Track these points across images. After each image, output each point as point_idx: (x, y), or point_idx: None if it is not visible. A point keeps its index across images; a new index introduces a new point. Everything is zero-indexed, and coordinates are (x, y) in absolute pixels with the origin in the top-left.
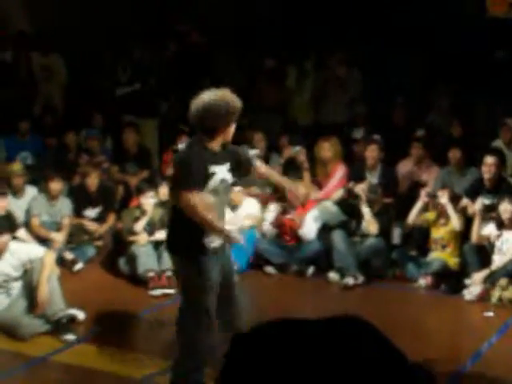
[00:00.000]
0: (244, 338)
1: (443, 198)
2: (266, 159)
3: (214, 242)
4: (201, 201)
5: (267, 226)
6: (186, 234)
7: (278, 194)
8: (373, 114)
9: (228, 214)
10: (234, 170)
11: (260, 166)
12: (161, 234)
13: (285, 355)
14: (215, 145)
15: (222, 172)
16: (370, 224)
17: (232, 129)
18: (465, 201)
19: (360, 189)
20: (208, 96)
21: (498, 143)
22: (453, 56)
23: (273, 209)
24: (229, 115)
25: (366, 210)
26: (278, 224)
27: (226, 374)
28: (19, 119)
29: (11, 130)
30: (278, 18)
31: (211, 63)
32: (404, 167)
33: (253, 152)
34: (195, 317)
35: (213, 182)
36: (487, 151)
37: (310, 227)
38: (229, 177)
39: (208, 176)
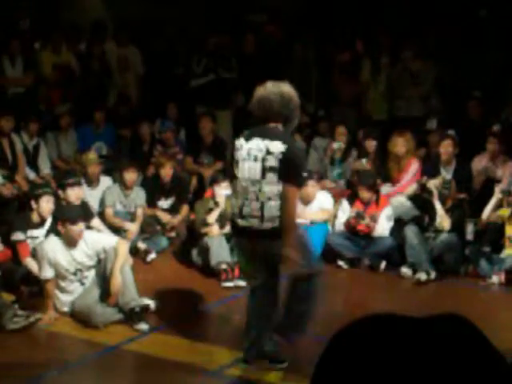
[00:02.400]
0: (343, 334)
1: None
2: (347, 153)
3: None
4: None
5: (339, 226)
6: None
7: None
8: (448, 108)
9: (300, 206)
10: None
11: None
12: None
13: (385, 354)
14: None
15: None
16: (442, 219)
17: None
18: None
19: (432, 184)
20: (283, 87)
21: None
22: None
23: (346, 207)
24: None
25: (438, 206)
26: (352, 228)
27: (323, 370)
28: (94, 109)
29: (86, 121)
30: (352, 11)
31: (288, 56)
32: (479, 163)
33: (335, 145)
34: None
35: None
36: None
37: (383, 226)
38: None
39: None
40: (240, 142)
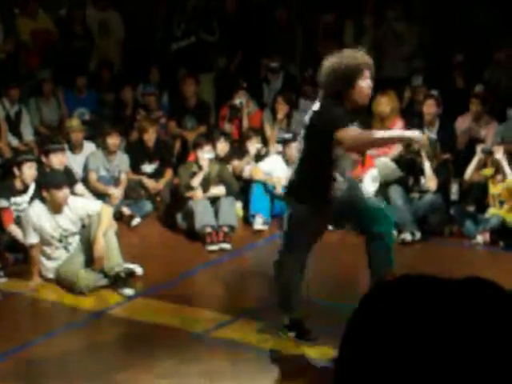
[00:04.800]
0: (373, 295)
1: (498, 154)
2: None
3: None
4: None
5: None
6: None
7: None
8: (431, 68)
9: (284, 169)
10: None
11: None
12: (217, 190)
13: (419, 314)
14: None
15: None
16: (429, 180)
17: (361, 89)
18: None
19: (420, 144)
20: (331, 61)
21: None
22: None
23: None
24: (349, 77)
25: (426, 166)
26: None
27: (354, 328)
28: (75, 75)
29: (68, 86)
30: None
31: (271, 18)
32: (463, 123)
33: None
34: None
35: None
36: None
37: (368, 187)
38: None
39: None
40: None
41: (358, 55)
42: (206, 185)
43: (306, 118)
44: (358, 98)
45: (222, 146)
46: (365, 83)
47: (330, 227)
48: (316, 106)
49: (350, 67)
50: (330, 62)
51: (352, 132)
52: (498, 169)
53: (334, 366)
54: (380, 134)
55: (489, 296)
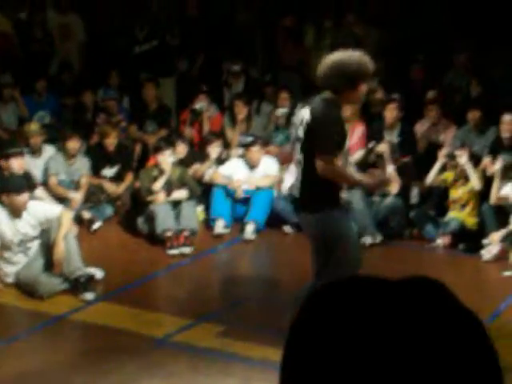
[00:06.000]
0: (317, 296)
1: (462, 158)
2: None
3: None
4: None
5: (286, 190)
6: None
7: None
8: (391, 72)
9: (245, 172)
10: None
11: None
12: (179, 194)
13: (358, 317)
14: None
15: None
16: (392, 183)
17: (360, 92)
18: (485, 160)
19: (383, 148)
20: (338, 55)
21: None
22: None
23: (293, 172)
24: (355, 77)
25: (390, 169)
26: None
27: (296, 327)
28: (36, 78)
29: (28, 90)
30: None
31: (232, 22)
32: (421, 127)
33: (281, 111)
34: None
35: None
36: (506, 109)
37: None
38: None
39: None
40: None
41: (367, 60)
42: (167, 189)
43: (300, 120)
44: (354, 98)
45: (181, 149)
46: (363, 87)
47: (289, 230)
48: (314, 104)
49: (360, 68)
50: (337, 56)
51: (334, 167)
52: (459, 173)
53: (279, 373)
54: (356, 177)
55: (431, 296)
